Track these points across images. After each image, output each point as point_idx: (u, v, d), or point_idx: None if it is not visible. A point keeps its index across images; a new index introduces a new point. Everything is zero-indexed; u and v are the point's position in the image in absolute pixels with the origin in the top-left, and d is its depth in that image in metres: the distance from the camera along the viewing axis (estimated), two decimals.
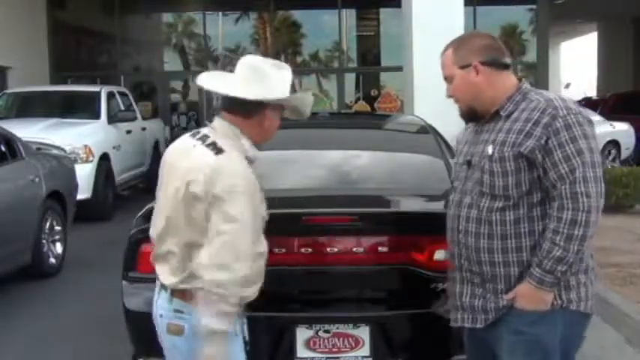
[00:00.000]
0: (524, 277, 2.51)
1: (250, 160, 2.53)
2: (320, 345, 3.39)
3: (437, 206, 4.14)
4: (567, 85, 38.56)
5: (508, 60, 2.65)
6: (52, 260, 7.09)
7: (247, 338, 2.64)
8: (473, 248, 2.58)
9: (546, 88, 17.86)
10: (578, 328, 2.60)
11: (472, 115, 2.68)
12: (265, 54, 19.17)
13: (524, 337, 2.53)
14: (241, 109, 2.51)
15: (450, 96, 2.69)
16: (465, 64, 2.60)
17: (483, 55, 2.60)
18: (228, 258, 2.35)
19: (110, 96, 11.89)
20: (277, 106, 2.56)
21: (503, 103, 2.59)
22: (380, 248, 3.46)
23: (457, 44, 2.66)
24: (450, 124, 7.87)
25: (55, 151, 8.57)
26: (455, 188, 2.74)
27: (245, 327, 2.63)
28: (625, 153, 15.10)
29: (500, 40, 2.73)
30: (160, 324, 2.59)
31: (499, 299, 2.56)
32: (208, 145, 2.47)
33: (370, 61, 19.39)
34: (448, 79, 2.67)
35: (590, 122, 2.51)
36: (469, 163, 2.65)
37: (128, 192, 11.95)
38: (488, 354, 2.70)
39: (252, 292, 2.48)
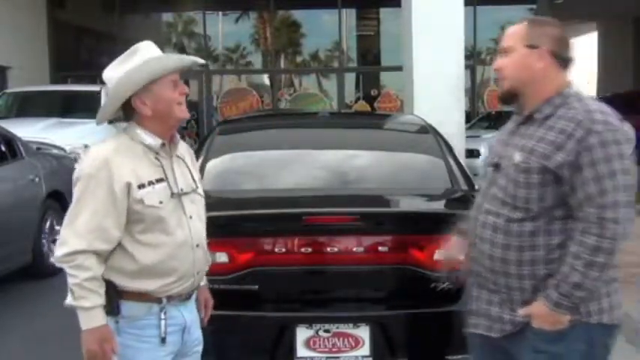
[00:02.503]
0: (538, 289, 2.37)
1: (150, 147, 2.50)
2: (320, 345, 3.39)
3: (437, 206, 4.16)
4: None
5: (571, 59, 2.48)
6: (53, 260, 7.08)
7: (163, 335, 2.50)
8: (487, 255, 2.45)
9: None
10: (602, 340, 2.43)
11: (511, 98, 2.50)
12: (265, 54, 19.21)
13: (545, 355, 2.39)
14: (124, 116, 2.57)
15: (496, 69, 2.51)
16: (533, 45, 2.41)
17: (555, 44, 2.42)
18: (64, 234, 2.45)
19: None
20: (143, 90, 2.47)
21: (540, 105, 2.41)
22: (380, 248, 3.46)
23: (533, 22, 2.49)
24: (449, 123, 7.89)
25: (55, 151, 8.58)
26: (481, 190, 2.58)
27: (163, 323, 2.50)
28: None
29: None
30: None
31: (515, 312, 2.43)
32: None
33: (370, 60, 19.39)
34: (505, 50, 2.47)
35: (630, 140, 2.33)
36: (497, 166, 2.48)
37: None
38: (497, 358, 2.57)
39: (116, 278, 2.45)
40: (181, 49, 19.40)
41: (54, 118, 10.80)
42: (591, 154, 2.26)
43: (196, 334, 2.67)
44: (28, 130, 8.93)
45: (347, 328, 3.40)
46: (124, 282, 2.46)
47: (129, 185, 2.41)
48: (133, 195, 2.41)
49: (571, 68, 2.48)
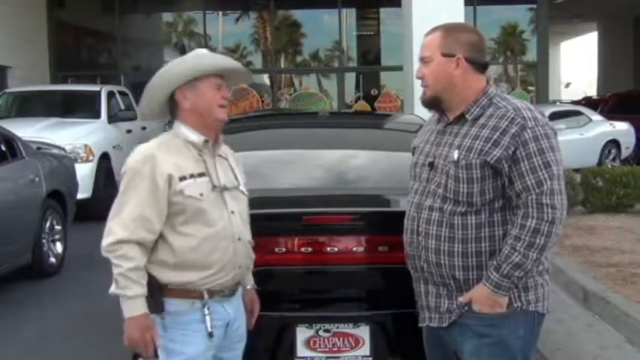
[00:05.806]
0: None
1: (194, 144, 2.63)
2: (320, 344, 3.39)
3: None
4: (567, 85, 38.54)
5: (487, 63, 2.64)
6: (52, 259, 7.09)
7: (210, 330, 2.59)
8: (433, 250, 2.57)
9: (546, 88, 17.88)
10: (536, 328, 2.61)
11: (434, 105, 2.63)
12: (265, 54, 19.21)
13: (488, 339, 2.54)
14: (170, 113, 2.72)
15: (419, 77, 2.63)
16: (449, 53, 2.54)
17: (470, 51, 2.55)
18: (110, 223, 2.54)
19: (110, 95, 11.88)
20: (187, 85, 2.62)
21: (469, 106, 2.55)
22: (380, 247, 3.46)
23: (447, 30, 2.59)
24: None
25: (55, 151, 8.57)
26: (415, 189, 2.69)
27: (208, 318, 2.58)
28: (625, 152, 15.12)
29: (486, 40, 2.70)
30: None
31: (460, 301, 2.57)
32: None
33: (370, 60, 19.40)
34: (425, 59, 2.60)
35: (555, 134, 2.51)
36: (431, 165, 2.61)
37: None
38: (448, 355, 2.71)
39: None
40: (181, 49, 19.41)
41: (54, 118, 10.80)
42: (527, 148, 2.43)
43: (241, 330, 2.76)
44: (28, 130, 8.95)
45: (347, 328, 3.40)
46: (166, 275, 2.54)
47: (170, 177, 2.52)
48: (173, 186, 2.52)
49: (487, 70, 2.63)
